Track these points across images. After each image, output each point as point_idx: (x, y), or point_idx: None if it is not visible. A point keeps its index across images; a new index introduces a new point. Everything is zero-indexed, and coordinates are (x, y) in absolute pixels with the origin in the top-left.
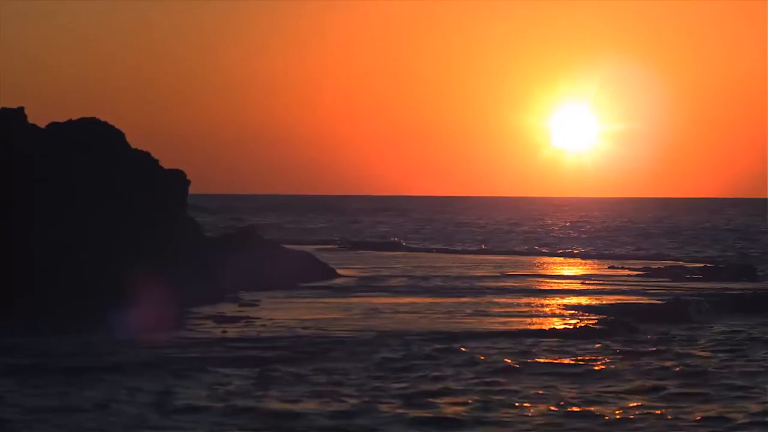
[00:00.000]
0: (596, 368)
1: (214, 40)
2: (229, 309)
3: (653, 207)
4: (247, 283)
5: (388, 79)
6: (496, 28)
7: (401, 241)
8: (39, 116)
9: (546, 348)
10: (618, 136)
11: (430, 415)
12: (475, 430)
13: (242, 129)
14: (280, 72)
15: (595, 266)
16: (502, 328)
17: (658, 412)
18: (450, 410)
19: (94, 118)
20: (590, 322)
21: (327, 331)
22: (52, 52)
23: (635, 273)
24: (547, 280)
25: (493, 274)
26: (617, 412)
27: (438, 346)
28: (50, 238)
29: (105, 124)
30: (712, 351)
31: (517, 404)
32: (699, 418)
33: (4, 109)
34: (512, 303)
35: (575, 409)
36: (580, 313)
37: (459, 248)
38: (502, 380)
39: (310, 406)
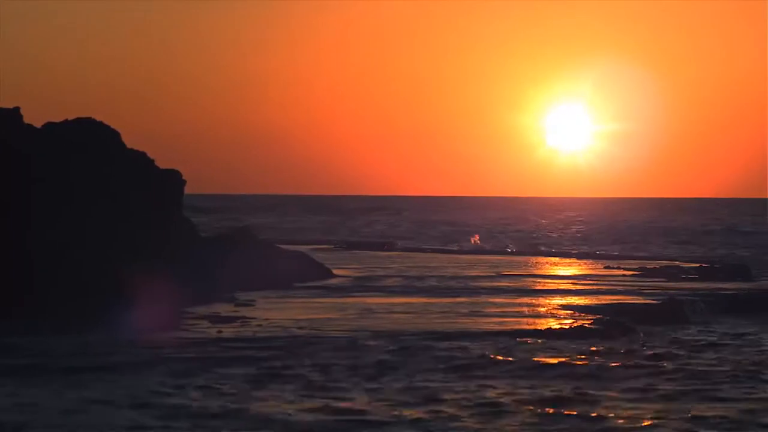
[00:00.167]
0: (591, 368)
1: (209, 40)
2: (224, 309)
3: (648, 207)
4: (243, 283)
5: (383, 79)
6: (491, 27)
7: (396, 241)
8: (34, 116)
9: (541, 348)
10: (613, 136)
11: (423, 414)
12: (466, 431)
13: (237, 129)
14: (275, 72)
15: (590, 266)
16: (497, 328)
17: (652, 413)
18: (443, 410)
19: (90, 118)
20: (586, 322)
21: (322, 331)
22: (46, 51)
23: (630, 273)
24: (543, 280)
25: (488, 274)
26: (611, 413)
27: (432, 345)
28: (48, 238)
29: (101, 124)
30: (707, 351)
31: (509, 404)
32: (693, 417)
33: (0, 109)
34: (508, 303)
35: (571, 412)
36: (576, 313)
37: (455, 248)
38: (497, 380)
39: (305, 406)
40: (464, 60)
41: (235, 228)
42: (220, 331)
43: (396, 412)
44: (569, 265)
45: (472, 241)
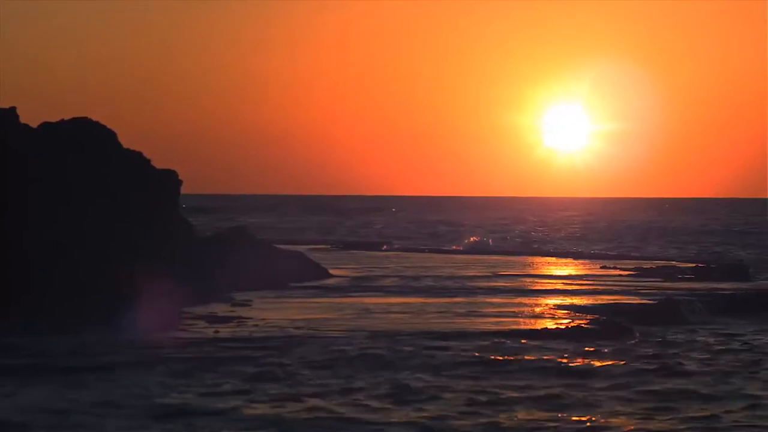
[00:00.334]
0: (587, 368)
1: (207, 39)
2: (221, 309)
3: (646, 207)
4: (240, 283)
5: (381, 80)
6: (489, 28)
7: (393, 241)
8: (30, 116)
9: (537, 348)
10: (610, 135)
11: (418, 414)
12: (462, 430)
13: (236, 129)
14: (273, 72)
15: (587, 266)
16: (494, 328)
17: (647, 413)
18: (439, 410)
19: (86, 118)
20: (582, 322)
21: (319, 331)
22: (42, 51)
23: (627, 273)
24: (539, 280)
25: (485, 274)
26: (606, 413)
27: (428, 345)
28: (45, 238)
29: (97, 123)
30: (705, 351)
31: (504, 404)
32: (689, 417)
33: None
34: (504, 303)
35: (565, 412)
36: (572, 313)
37: (451, 248)
38: (492, 380)
39: (300, 406)
40: (462, 60)
41: (232, 228)
42: (216, 331)
43: (392, 412)
44: (566, 265)
45: (471, 240)
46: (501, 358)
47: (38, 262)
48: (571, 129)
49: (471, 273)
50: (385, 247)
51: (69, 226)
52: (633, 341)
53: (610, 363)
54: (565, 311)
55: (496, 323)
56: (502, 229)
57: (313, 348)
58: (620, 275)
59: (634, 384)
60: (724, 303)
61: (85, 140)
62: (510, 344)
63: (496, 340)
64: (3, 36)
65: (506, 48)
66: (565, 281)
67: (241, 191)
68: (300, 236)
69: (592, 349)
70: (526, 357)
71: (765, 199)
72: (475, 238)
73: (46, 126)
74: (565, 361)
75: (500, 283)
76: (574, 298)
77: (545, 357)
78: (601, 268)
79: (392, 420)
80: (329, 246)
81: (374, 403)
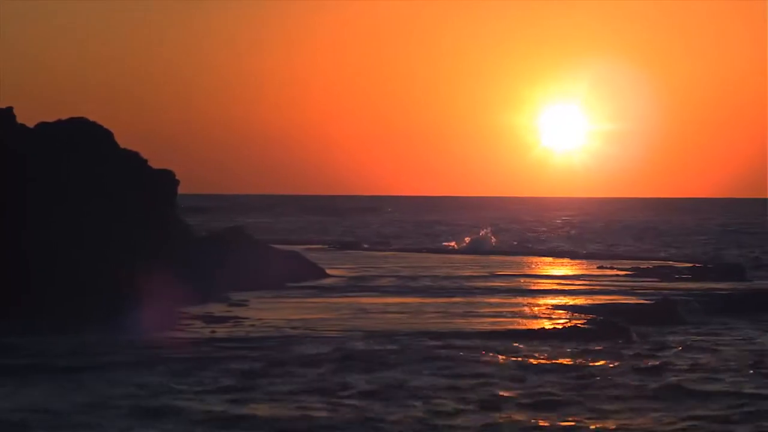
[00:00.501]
0: (584, 368)
1: (203, 39)
2: (217, 309)
3: (643, 207)
4: (236, 283)
5: (377, 79)
6: (486, 28)
7: (390, 240)
8: (26, 116)
9: (533, 348)
10: (608, 135)
11: (414, 414)
12: (456, 429)
13: (231, 128)
14: (269, 72)
15: (584, 266)
16: (490, 328)
17: (643, 413)
18: (432, 409)
19: (82, 118)
20: (579, 322)
21: (316, 331)
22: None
23: (624, 273)
24: (536, 280)
25: (482, 274)
26: (601, 414)
27: (425, 345)
28: (44, 238)
29: (94, 123)
30: (701, 351)
31: (498, 404)
32: (685, 417)
33: None
34: (502, 303)
35: (561, 413)
36: (569, 313)
37: (449, 248)
38: (487, 380)
39: (296, 406)
40: (459, 60)
41: (229, 228)
42: (213, 331)
43: (388, 412)
44: (563, 265)
45: (468, 240)
46: (497, 358)
47: (37, 262)
48: (569, 129)
49: (468, 273)
50: (380, 246)
51: (67, 226)
52: (630, 341)
53: (606, 363)
54: (562, 311)
55: (494, 323)
56: (500, 229)
57: (309, 348)
58: (617, 275)
59: (631, 384)
60: (720, 303)
61: (82, 140)
62: (507, 344)
63: (492, 340)
64: None
65: (503, 48)
66: (562, 281)
67: (238, 191)
68: (296, 236)
69: (588, 349)
70: (523, 357)
71: (764, 199)
72: (471, 237)
73: (43, 126)
74: (561, 361)
75: (497, 283)
76: (571, 298)
77: (542, 357)
78: (598, 268)
79: (387, 419)
80: (326, 246)
81: (370, 403)
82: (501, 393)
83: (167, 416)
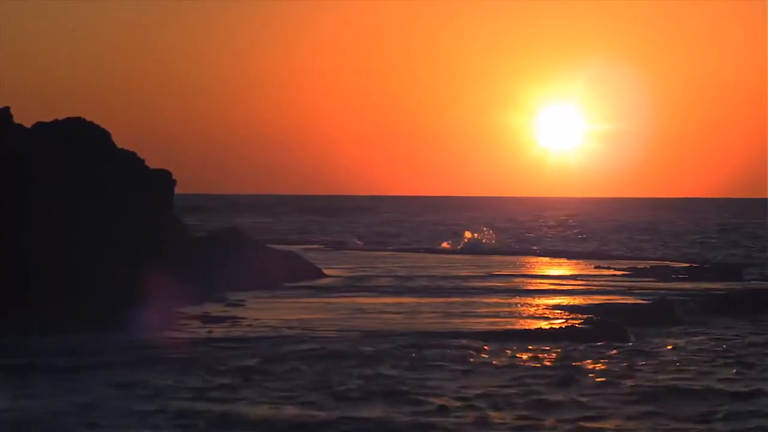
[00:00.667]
0: (580, 368)
1: (201, 39)
2: (214, 309)
3: (639, 207)
4: (234, 283)
5: (375, 80)
6: (483, 28)
7: (386, 240)
8: (22, 116)
9: (530, 348)
10: (605, 136)
11: (410, 413)
12: (451, 429)
13: (228, 128)
14: (268, 71)
15: (581, 266)
16: (487, 328)
17: (641, 413)
18: (426, 409)
19: (79, 118)
20: (576, 322)
21: (313, 331)
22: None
23: (621, 273)
24: (533, 280)
25: (479, 273)
26: (598, 413)
27: (421, 345)
28: (42, 238)
29: (91, 123)
30: (698, 351)
31: (495, 404)
32: (682, 417)
33: None
34: (499, 303)
35: (559, 416)
36: (566, 313)
37: (446, 248)
38: (483, 380)
39: (292, 406)
40: (456, 60)
41: (226, 228)
42: (210, 332)
43: (384, 412)
44: (560, 265)
45: (465, 240)
46: (493, 358)
47: (35, 262)
48: (566, 129)
49: (465, 273)
50: (378, 244)
51: (65, 226)
52: (626, 341)
53: (603, 363)
54: (559, 311)
55: (490, 323)
56: (497, 229)
57: (306, 348)
58: (614, 275)
59: (627, 384)
60: (717, 303)
61: (79, 140)
62: (503, 344)
63: (489, 340)
64: None
65: (500, 48)
66: (558, 281)
67: (235, 191)
68: (293, 236)
69: (585, 349)
70: (519, 357)
71: (762, 199)
72: (468, 237)
73: (40, 126)
74: (558, 361)
75: (494, 283)
76: (567, 298)
77: (538, 357)
78: (595, 268)
79: (385, 419)
80: (323, 246)
81: (366, 403)
82: (495, 393)
83: (165, 416)
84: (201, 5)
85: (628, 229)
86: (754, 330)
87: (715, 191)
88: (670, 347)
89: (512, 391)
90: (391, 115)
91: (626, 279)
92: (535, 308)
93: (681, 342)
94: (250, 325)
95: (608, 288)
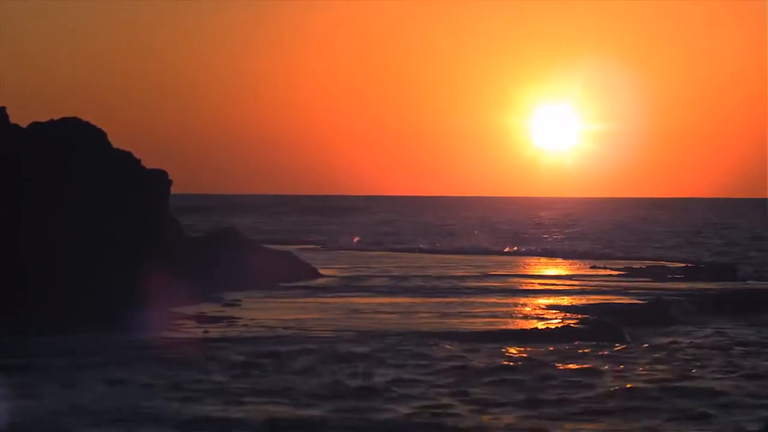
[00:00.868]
0: (576, 368)
1: (196, 39)
2: (210, 309)
3: (635, 207)
4: (229, 283)
5: (371, 80)
6: (479, 28)
7: (384, 240)
8: (18, 116)
9: (526, 348)
10: (600, 136)
11: (404, 413)
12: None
13: (224, 128)
14: (264, 72)
15: (577, 266)
16: (483, 328)
17: (636, 413)
18: (420, 409)
19: (76, 118)
20: (572, 322)
21: (308, 331)
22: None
23: (617, 273)
24: (529, 280)
25: (475, 274)
26: (594, 413)
27: (416, 345)
28: (40, 238)
29: (88, 123)
30: (692, 351)
31: (491, 404)
32: (679, 417)
33: None
34: (494, 303)
35: (555, 416)
36: (562, 313)
37: (441, 248)
38: (478, 380)
39: (288, 405)
40: (452, 60)
41: (222, 228)
42: (206, 331)
43: (381, 411)
44: (556, 265)
45: (462, 239)
46: (489, 358)
47: (33, 262)
48: (561, 129)
49: (460, 273)
50: (374, 244)
51: (62, 226)
52: (622, 341)
53: (599, 363)
54: (555, 311)
55: (486, 323)
56: (492, 229)
57: (302, 348)
58: (610, 275)
59: (623, 383)
60: (712, 303)
61: (76, 140)
62: (499, 344)
63: (485, 340)
64: None
65: (495, 48)
66: (554, 281)
67: (231, 191)
68: (289, 236)
69: (580, 349)
70: (515, 357)
71: (760, 199)
72: (464, 237)
73: (36, 126)
74: (553, 361)
75: (490, 283)
76: (563, 298)
77: (534, 357)
78: (591, 268)
79: (381, 418)
80: (319, 246)
81: (363, 402)
82: (492, 393)
83: (162, 416)
84: (197, 6)
85: (624, 229)
86: (749, 330)
87: (712, 191)
88: (665, 347)
89: (505, 390)
90: (387, 115)
91: (622, 279)
92: (531, 308)
93: (676, 341)
94: (245, 325)
95: (604, 288)
